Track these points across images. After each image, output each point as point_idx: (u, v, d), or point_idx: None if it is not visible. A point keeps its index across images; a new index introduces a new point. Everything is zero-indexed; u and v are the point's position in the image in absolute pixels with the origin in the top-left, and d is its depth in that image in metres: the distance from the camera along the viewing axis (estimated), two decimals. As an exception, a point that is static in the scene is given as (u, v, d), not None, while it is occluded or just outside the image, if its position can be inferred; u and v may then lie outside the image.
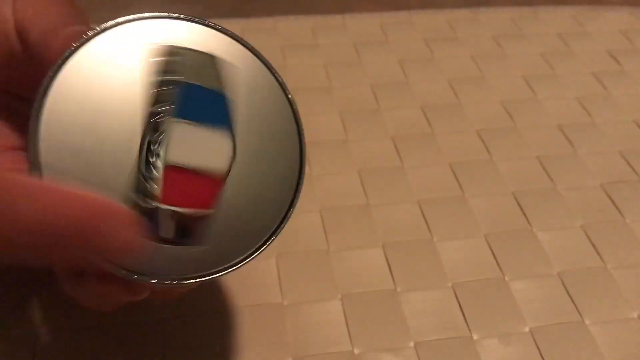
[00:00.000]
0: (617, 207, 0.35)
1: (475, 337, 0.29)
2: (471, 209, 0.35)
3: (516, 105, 0.42)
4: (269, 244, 0.21)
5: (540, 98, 0.43)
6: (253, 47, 0.22)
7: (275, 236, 0.21)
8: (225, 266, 0.20)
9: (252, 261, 0.20)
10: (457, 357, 0.28)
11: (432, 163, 0.37)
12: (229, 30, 0.22)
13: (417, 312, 0.29)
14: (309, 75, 0.44)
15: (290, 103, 0.22)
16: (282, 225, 0.21)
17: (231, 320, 0.29)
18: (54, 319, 0.28)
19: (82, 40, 0.20)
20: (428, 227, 0.34)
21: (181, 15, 0.21)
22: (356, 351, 0.28)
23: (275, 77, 0.22)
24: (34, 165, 0.19)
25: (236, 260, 0.20)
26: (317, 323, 0.29)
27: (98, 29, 0.20)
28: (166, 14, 0.21)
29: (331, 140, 0.38)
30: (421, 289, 0.30)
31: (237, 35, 0.22)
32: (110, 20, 0.21)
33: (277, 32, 0.48)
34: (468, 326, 0.29)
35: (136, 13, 0.21)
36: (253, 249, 0.20)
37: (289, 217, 0.21)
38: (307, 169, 0.36)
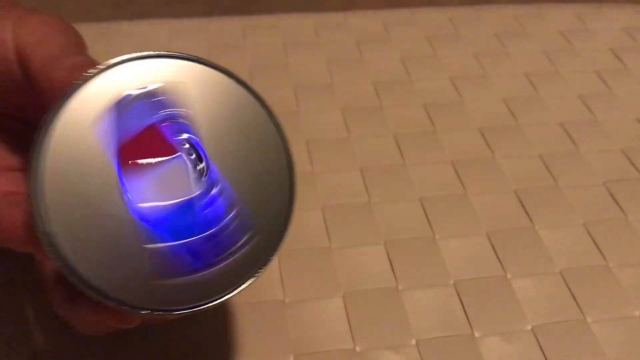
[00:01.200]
0: (619, 205, 0.35)
1: (477, 335, 0.29)
2: (473, 206, 0.35)
3: (518, 103, 0.42)
4: (259, 275, 0.21)
5: (543, 96, 0.43)
6: (254, 90, 0.22)
7: (267, 265, 0.21)
8: (217, 297, 0.20)
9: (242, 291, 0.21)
10: (459, 355, 0.28)
11: (434, 161, 0.37)
12: (231, 72, 0.22)
13: (419, 310, 0.29)
14: (311, 73, 0.44)
15: (281, 136, 0.22)
16: (274, 254, 0.21)
17: (232, 317, 0.29)
18: (53, 318, 0.28)
19: (84, 77, 0.20)
20: (430, 225, 0.34)
21: (184, 55, 0.21)
22: (358, 349, 0.28)
23: (267, 111, 0.22)
24: (35, 203, 0.19)
25: (227, 291, 0.20)
26: (318, 320, 0.29)
27: (101, 66, 0.20)
28: (171, 53, 0.21)
29: (333, 138, 0.38)
30: (423, 287, 0.30)
31: (236, 75, 0.22)
32: (114, 58, 0.21)
33: (279, 29, 0.48)
34: (470, 324, 0.29)
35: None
36: (243, 281, 0.20)
37: (281, 245, 0.21)
38: (309, 167, 0.36)
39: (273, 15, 0.49)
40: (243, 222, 0.21)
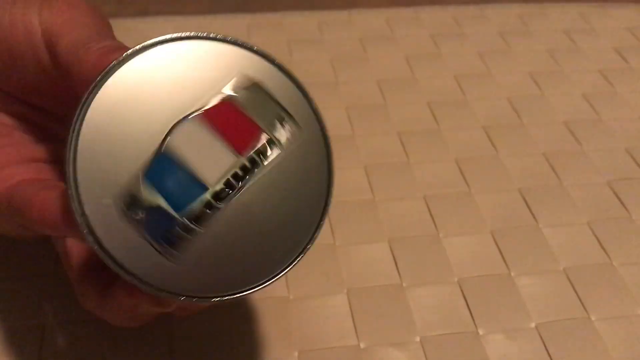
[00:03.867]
0: (623, 204, 0.35)
1: (481, 332, 0.29)
2: (477, 204, 0.35)
3: (522, 102, 0.42)
4: (293, 265, 0.21)
5: (547, 95, 0.43)
6: (285, 67, 0.22)
7: (301, 257, 0.21)
8: (251, 286, 0.20)
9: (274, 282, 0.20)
10: (463, 353, 0.28)
11: (438, 159, 0.37)
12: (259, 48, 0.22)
13: (423, 307, 0.30)
14: (315, 71, 0.44)
15: (323, 130, 0.22)
16: (308, 247, 0.21)
17: (237, 314, 0.29)
18: (61, 311, 0.28)
19: (121, 58, 0.20)
20: (434, 222, 0.34)
21: (218, 36, 0.21)
22: (362, 345, 0.28)
23: (313, 109, 0.22)
24: (71, 186, 0.19)
25: (261, 280, 0.20)
26: (323, 317, 0.29)
27: (138, 47, 0.20)
28: (205, 34, 0.21)
29: (337, 136, 0.38)
30: (427, 284, 0.31)
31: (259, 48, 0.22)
32: (148, 40, 0.20)
33: (283, 27, 0.48)
34: (474, 321, 0.29)
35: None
36: (277, 270, 0.20)
37: (315, 239, 0.21)
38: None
39: (277, 13, 0.49)
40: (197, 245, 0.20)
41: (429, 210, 0.34)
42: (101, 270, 0.22)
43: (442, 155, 0.38)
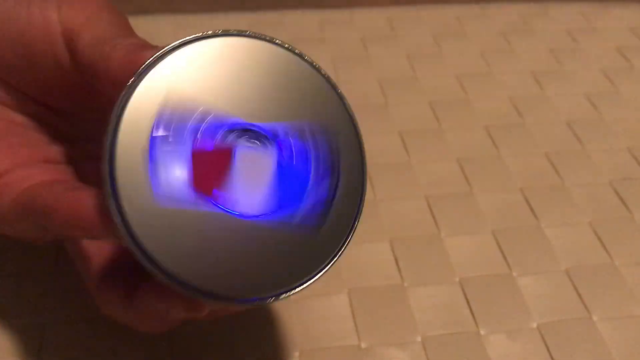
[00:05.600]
0: (625, 204, 0.35)
1: (482, 332, 0.29)
2: (479, 204, 0.35)
3: (524, 102, 0.42)
4: (327, 269, 0.20)
5: (549, 94, 0.43)
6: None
7: (335, 260, 0.20)
8: (287, 288, 0.19)
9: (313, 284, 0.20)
10: (464, 353, 0.28)
11: (439, 158, 0.37)
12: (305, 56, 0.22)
13: (424, 307, 0.29)
14: (316, 70, 0.43)
15: (359, 138, 0.22)
16: (341, 251, 0.20)
17: (238, 314, 0.29)
18: (62, 310, 0.28)
19: (157, 55, 0.19)
20: (435, 222, 0.33)
21: (261, 35, 0.21)
22: (363, 345, 0.28)
23: (347, 110, 0.23)
24: (109, 185, 0.18)
25: (300, 282, 0.19)
26: (324, 317, 0.29)
27: (178, 42, 0.19)
28: (249, 33, 0.20)
29: (338, 135, 0.38)
30: (428, 284, 0.30)
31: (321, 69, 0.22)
32: (190, 35, 0.20)
33: (284, 26, 0.47)
34: (475, 321, 0.29)
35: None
36: (315, 272, 0.20)
37: (348, 243, 0.21)
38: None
39: (278, 11, 0.49)
40: (320, 165, 0.20)
41: (431, 209, 0.34)
42: (126, 273, 0.21)
43: (443, 154, 0.38)
